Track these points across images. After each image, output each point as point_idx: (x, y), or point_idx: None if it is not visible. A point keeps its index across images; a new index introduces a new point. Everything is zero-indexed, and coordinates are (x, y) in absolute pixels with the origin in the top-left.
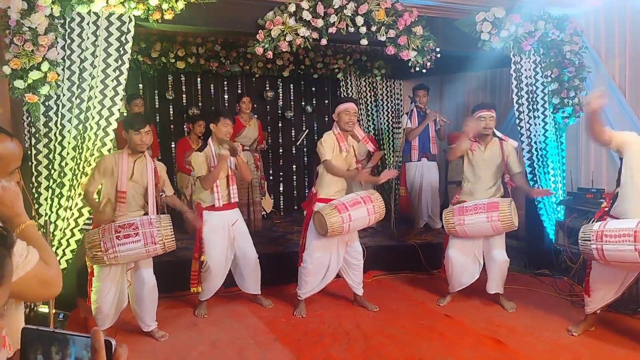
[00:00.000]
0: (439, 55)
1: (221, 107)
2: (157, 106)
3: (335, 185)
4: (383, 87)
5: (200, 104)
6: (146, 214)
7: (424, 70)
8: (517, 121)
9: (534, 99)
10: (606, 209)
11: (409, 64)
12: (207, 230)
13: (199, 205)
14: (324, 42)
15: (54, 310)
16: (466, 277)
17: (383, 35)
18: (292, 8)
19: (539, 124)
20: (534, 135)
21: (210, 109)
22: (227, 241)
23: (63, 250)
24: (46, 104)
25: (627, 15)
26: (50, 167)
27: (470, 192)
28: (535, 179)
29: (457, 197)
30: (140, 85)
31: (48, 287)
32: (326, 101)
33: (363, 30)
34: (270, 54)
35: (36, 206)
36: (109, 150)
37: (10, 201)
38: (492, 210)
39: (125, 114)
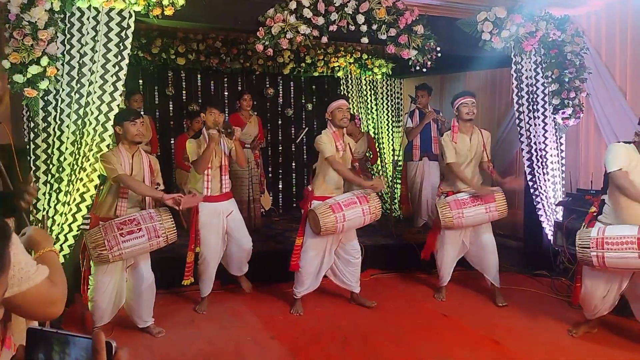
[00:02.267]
0: (439, 55)
1: (211, 97)
2: (156, 102)
3: (332, 184)
4: (383, 85)
5: (200, 101)
6: (142, 208)
7: (425, 70)
8: (517, 121)
9: (534, 100)
10: (595, 213)
11: (410, 63)
12: (202, 221)
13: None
14: (324, 40)
15: None
16: (452, 265)
17: (384, 33)
18: (292, 5)
19: (539, 125)
20: (534, 136)
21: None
22: (221, 232)
23: (61, 246)
24: (45, 98)
25: (628, 16)
26: (48, 161)
27: (455, 182)
28: (534, 179)
29: (442, 189)
30: (140, 81)
31: (49, 305)
32: (326, 99)
33: (364, 28)
34: (270, 52)
35: (34, 201)
36: (107, 146)
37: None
38: (490, 201)
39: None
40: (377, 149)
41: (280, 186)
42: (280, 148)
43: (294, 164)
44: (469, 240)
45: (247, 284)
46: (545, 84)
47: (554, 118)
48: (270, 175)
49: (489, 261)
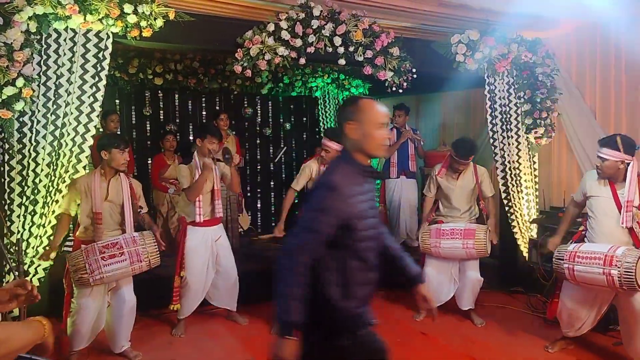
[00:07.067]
0: (415, 76)
1: (210, 124)
2: (134, 122)
3: None
4: None
5: (177, 121)
6: (124, 232)
7: (401, 90)
8: (491, 141)
9: (507, 119)
10: (583, 231)
11: (386, 84)
12: (189, 245)
13: (183, 219)
14: (302, 61)
15: None
16: (441, 295)
17: (360, 55)
18: (271, 27)
19: (512, 144)
20: (508, 155)
21: (189, 124)
22: (209, 258)
23: (35, 269)
24: (20, 120)
25: (597, 39)
26: (23, 183)
27: (446, 214)
28: (509, 197)
29: (433, 216)
30: (117, 101)
31: None
32: (304, 119)
33: (341, 50)
34: (248, 72)
35: (8, 223)
36: (84, 167)
37: None
38: (468, 237)
39: (101, 130)
40: None
41: (258, 205)
42: (258, 167)
43: (272, 183)
44: (457, 273)
45: (242, 319)
46: (517, 104)
47: (527, 137)
48: (248, 194)
49: (466, 296)
